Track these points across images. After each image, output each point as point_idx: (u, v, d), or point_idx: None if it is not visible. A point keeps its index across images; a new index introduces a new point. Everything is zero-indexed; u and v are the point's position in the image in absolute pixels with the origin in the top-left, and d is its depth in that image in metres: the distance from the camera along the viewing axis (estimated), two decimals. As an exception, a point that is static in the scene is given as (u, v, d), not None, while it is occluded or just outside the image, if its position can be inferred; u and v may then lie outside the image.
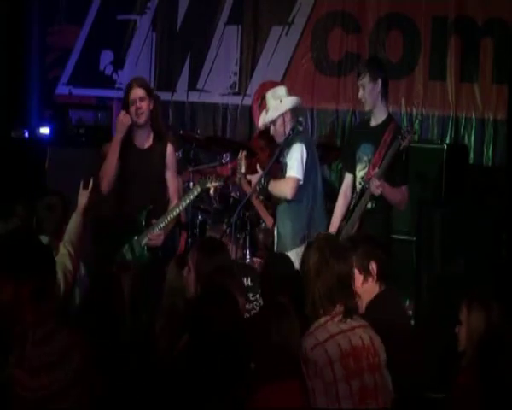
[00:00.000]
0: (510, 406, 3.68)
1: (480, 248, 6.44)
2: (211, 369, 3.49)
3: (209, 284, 4.18)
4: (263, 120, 6.38)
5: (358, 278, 4.60)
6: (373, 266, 4.60)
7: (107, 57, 9.98)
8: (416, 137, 7.96)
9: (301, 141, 6.13)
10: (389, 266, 4.66)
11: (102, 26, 9.96)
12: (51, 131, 9.35)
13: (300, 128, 6.31)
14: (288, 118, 6.22)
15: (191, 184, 7.43)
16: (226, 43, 9.41)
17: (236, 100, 9.36)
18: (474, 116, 8.27)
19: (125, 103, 6.14)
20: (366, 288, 4.60)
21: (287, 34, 9.12)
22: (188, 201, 6.12)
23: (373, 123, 6.05)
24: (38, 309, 3.62)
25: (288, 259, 5.01)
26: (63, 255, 5.08)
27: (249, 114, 9.31)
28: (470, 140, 8.28)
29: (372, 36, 8.66)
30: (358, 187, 5.99)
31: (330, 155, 8.27)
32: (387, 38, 8.61)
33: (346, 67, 8.76)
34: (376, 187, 5.72)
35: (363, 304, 4.58)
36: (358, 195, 5.93)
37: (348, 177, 6.17)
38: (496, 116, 8.15)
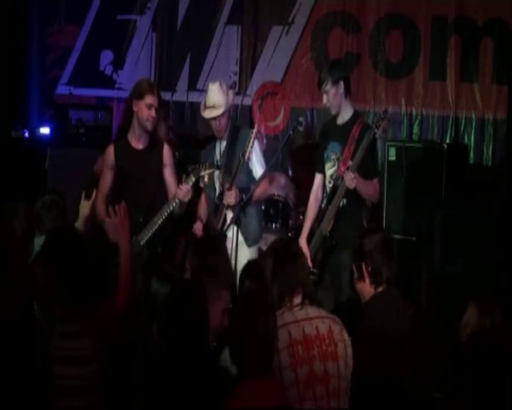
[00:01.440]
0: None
1: (480, 248, 6.44)
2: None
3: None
4: (210, 112, 6.17)
5: (355, 275, 4.59)
6: (364, 267, 4.51)
7: (107, 57, 9.99)
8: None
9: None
10: (384, 268, 4.49)
11: (102, 26, 9.97)
12: (51, 131, 9.36)
13: (300, 128, 6.27)
14: (231, 113, 6.24)
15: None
16: (226, 43, 9.42)
17: (236, 100, 9.32)
18: (474, 116, 8.27)
19: (133, 99, 6.07)
20: (361, 287, 4.56)
21: (287, 34, 9.12)
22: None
23: (339, 121, 5.94)
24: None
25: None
26: None
27: (249, 114, 9.31)
28: (470, 140, 8.28)
29: (372, 36, 8.66)
30: (329, 186, 5.86)
31: (330, 154, 8.25)
32: (387, 38, 8.61)
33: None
34: (351, 180, 5.56)
35: (363, 302, 4.58)
36: (330, 193, 5.80)
37: (318, 177, 6.02)
38: (496, 116, 8.15)
